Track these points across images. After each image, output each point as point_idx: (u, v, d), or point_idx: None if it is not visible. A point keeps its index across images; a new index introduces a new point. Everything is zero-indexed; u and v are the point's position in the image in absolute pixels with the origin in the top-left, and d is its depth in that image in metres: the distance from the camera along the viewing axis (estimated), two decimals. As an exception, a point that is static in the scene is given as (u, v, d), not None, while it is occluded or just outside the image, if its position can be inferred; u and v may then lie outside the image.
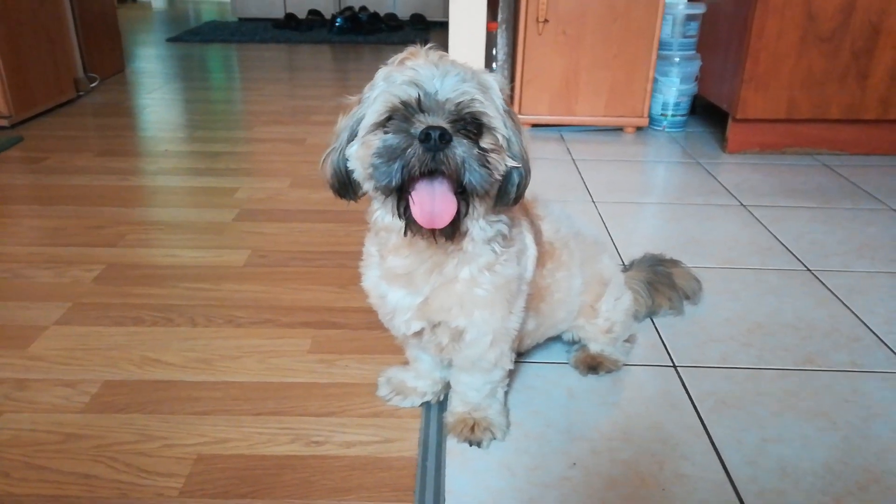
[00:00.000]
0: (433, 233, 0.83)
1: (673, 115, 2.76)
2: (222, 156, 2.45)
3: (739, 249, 1.75)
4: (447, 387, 1.14)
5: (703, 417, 1.12)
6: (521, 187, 0.89)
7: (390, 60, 0.87)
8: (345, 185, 0.89)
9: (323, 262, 1.65)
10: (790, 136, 2.50)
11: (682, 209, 2.02)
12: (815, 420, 1.12)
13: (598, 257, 1.23)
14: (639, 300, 1.36)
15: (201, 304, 1.45)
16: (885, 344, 1.34)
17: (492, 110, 0.82)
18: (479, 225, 0.91)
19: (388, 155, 0.79)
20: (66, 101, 3.06)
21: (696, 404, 1.16)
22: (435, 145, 0.76)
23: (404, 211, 0.83)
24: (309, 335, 1.35)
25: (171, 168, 2.32)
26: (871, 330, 1.39)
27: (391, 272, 0.95)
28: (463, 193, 0.82)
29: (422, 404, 1.16)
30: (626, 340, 1.28)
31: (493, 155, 0.82)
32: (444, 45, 2.44)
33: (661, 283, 1.40)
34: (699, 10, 2.65)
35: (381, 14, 5.65)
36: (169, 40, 4.95)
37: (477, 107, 0.81)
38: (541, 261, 1.06)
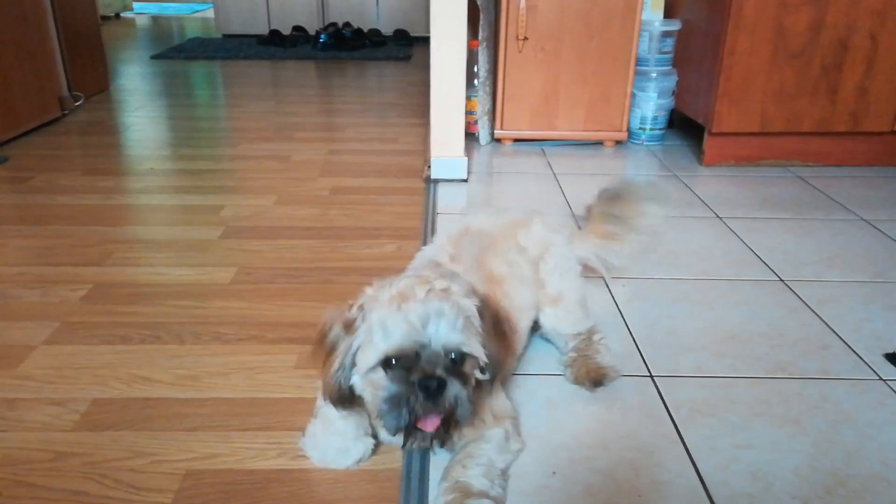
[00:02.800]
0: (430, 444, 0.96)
1: (651, 129, 2.82)
2: (207, 173, 2.48)
3: (714, 260, 1.80)
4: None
5: (678, 426, 1.16)
6: (493, 380, 1.02)
7: (382, 295, 0.95)
8: (346, 401, 1.00)
9: (308, 279, 1.68)
10: (764, 149, 2.56)
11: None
12: (784, 426, 1.16)
13: (521, 233, 1.33)
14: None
15: (188, 322, 1.48)
16: (854, 351, 1.39)
17: (474, 342, 0.94)
18: None
19: (394, 403, 0.90)
20: (51, 120, 3.07)
21: (672, 413, 1.20)
22: (433, 391, 0.89)
23: (408, 438, 0.94)
24: (294, 351, 1.37)
25: (156, 186, 2.35)
26: (840, 338, 1.44)
27: None
28: (450, 421, 0.93)
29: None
30: (599, 339, 1.34)
31: (472, 379, 0.95)
32: (426, 61, 2.48)
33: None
34: (674, 26, 2.71)
35: (365, 30, 5.71)
36: (153, 57, 4.97)
37: (464, 349, 0.93)
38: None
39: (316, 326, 1.45)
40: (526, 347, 1.34)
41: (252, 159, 2.65)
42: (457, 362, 0.93)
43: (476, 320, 0.98)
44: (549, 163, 2.61)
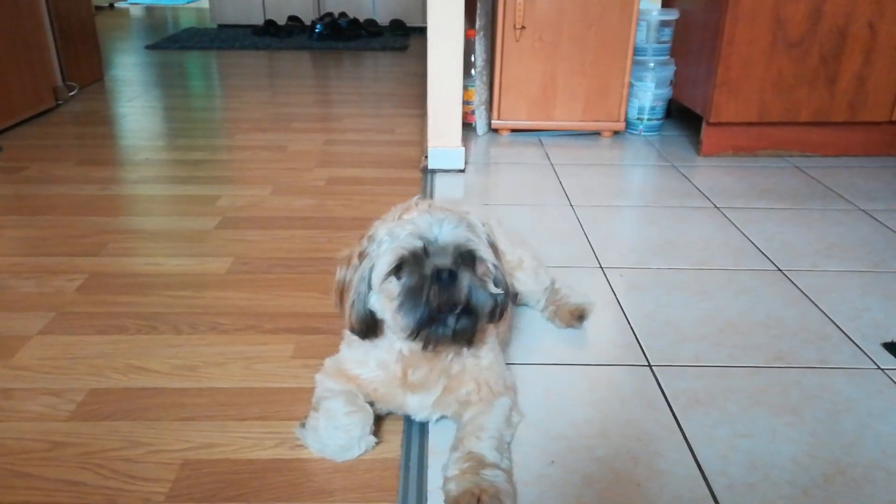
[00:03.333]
0: (456, 341, 0.98)
1: (649, 120, 2.82)
2: (203, 164, 2.46)
3: (713, 251, 1.79)
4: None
5: (676, 415, 1.16)
6: (503, 306, 1.03)
7: (388, 216, 1.01)
8: (370, 328, 1.02)
9: (304, 269, 1.67)
10: (762, 139, 2.56)
11: (658, 212, 2.06)
12: (783, 415, 1.16)
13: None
14: None
15: (185, 312, 1.47)
16: (852, 340, 1.39)
17: (481, 245, 0.98)
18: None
19: (411, 295, 0.93)
20: (45, 111, 3.05)
21: (671, 402, 1.19)
22: (447, 281, 0.91)
23: (433, 344, 0.97)
24: (292, 341, 1.37)
25: (152, 176, 2.33)
26: (838, 327, 1.44)
27: (411, 384, 1.06)
28: (471, 313, 0.95)
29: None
30: (561, 287, 1.46)
31: (486, 280, 0.98)
32: (423, 51, 2.47)
33: None
34: (672, 16, 2.70)
35: (361, 20, 5.68)
36: (147, 48, 4.93)
37: (471, 245, 0.97)
38: None
39: (313, 317, 1.45)
40: (514, 319, 1.39)
41: (248, 149, 2.63)
42: (467, 260, 0.96)
43: (482, 231, 1.01)
44: (546, 153, 2.60)
